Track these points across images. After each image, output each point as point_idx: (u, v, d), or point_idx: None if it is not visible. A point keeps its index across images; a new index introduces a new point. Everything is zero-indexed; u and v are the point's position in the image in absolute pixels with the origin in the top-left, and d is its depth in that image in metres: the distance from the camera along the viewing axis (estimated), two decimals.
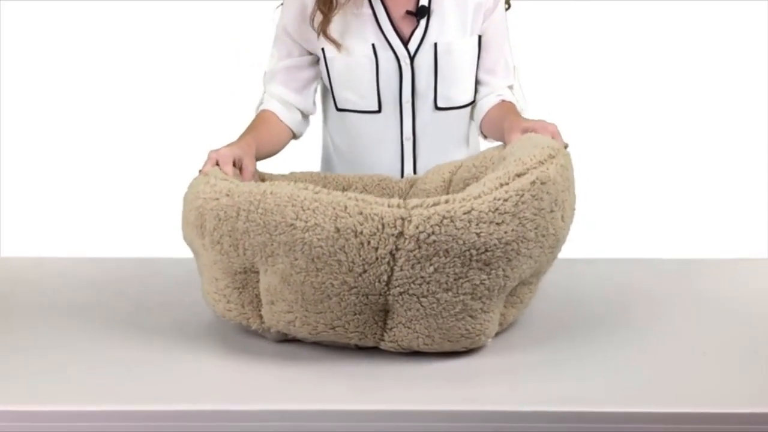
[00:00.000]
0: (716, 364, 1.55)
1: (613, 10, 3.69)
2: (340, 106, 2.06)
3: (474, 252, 1.47)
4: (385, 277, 1.48)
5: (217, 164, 1.70)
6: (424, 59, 2.00)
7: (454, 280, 1.48)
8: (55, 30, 3.71)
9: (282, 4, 2.04)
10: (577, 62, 3.71)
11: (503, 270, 1.50)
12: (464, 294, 1.50)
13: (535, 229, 1.52)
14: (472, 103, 2.07)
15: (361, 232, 1.46)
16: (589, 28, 3.68)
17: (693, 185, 3.67)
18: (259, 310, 1.62)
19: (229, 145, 1.77)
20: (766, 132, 3.68)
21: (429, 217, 1.45)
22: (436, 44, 1.99)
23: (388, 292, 1.50)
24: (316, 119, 2.15)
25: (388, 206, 1.47)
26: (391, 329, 1.55)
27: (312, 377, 1.51)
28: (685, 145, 3.70)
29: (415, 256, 1.46)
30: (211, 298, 1.65)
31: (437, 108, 2.03)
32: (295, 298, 1.53)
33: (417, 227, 1.45)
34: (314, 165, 2.19)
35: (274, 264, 1.51)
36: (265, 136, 1.95)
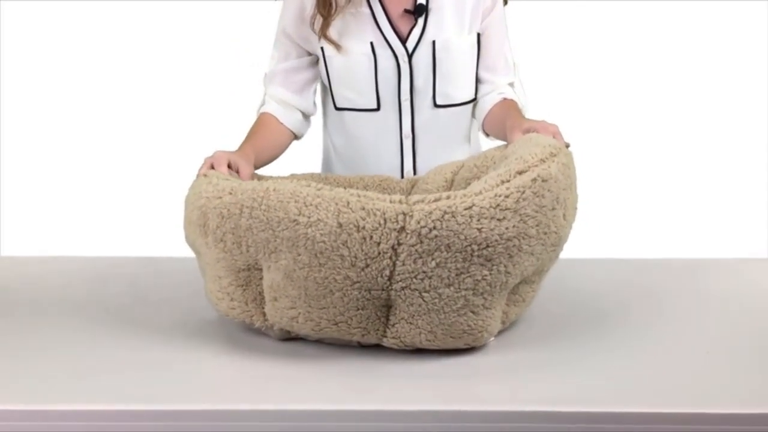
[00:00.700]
0: (720, 363, 1.55)
1: (614, 10, 3.70)
2: (338, 105, 2.07)
3: (475, 247, 1.47)
4: (387, 272, 1.49)
5: (212, 167, 1.70)
6: (422, 57, 2.01)
7: (456, 275, 1.49)
8: (55, 30, 3.71)
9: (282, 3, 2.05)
10: (580, 62, 3.72)
11: (505, 266, 1.51)
12: (466, 289, 1.50)
13: (537, 226, 1.52)
14: (473, 100, 2.08)
15: (364, 227, 1.47)
16: (591, 28, 3.68)
17: (695, 185, 3.67)
18: (263, 308, 1.62)
19: (224, 150, 1.78)
20: (766, 132, 3.68)
21: (430, 212, 1.46)
22: (434, 42, 2.00)
23: (390, 287, 1.51)
24: (317, 121, 2.15)
25: (390, 202, 1.49)
26: (393, 325, 1.55)
27: (314, 376, 1.51)
28: (686, 145, 3.70)
29: (417, 250, 1.47)
30: (214, 296, 1.66)
31: (436, 105, 2.04)
32: (298, 293, 1.53)
33: (419, 222, 1.46)
34: (315, 167, 2.19)
35: (277, 260, 1.52)
36: (263, 141, 1.97)
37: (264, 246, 1.52)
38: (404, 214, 1.47)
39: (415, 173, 2.06)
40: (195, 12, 3.68)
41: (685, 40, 3.70)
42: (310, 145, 2.19)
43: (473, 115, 2.10)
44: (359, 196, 1.49)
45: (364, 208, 1.47)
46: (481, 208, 1.47)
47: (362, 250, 1.47)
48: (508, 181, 1.51)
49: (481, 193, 1.49)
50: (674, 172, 3.69)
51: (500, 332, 1.64)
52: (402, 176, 2.06)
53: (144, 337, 1.67)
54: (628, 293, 1.89)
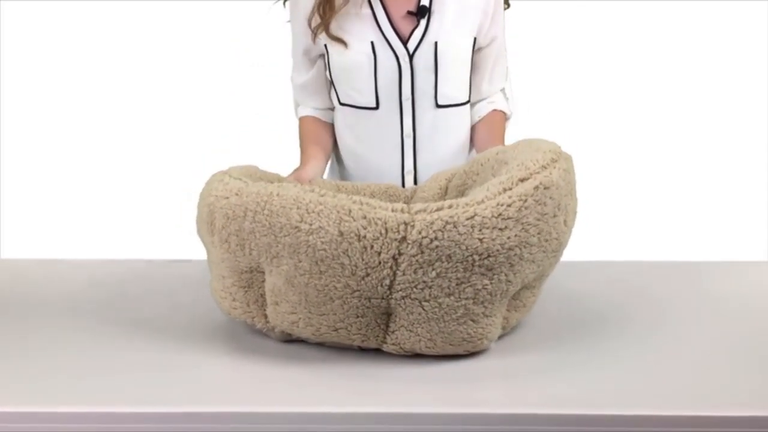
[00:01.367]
0: (720, 366, 1.55)
1: (614, 11, 3.69)
2: (342, 101, 2.10)
3: (477, 257, 1.47)
4: (387, 281, 1.49)
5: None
6: (423, 58, 2.02)
7: (457, 285, 1.49)
8: (56, 30, 3.69)
9: (289, 20, 2.09)
10: (580, 63, 3.70)
11: (506, 275, 1.51)
12: (466, 299, 1.50)
13: (539, 234, 1.52)
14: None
15: (365, 236, 1.46)
16: (590, 30, 3.67)
17: (695, 187, 3.66)
18: (264, 310, 1.62)
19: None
20: (766, 134, 3.68)
21: (432, 223, 1.46)
22: (436, 43, 2.01)
23: (390, 296, 1.51)
24: None
25: (392, 211, 1.48)
26: (393, 332, 1.56)
27: (316, 379, 1.51)
28: (686, 148, 3.69)
29: (417, 261, 1.47)
30: (218, 295, 1.67)
31: (438, 106, 2.05)
32: (298, 299, 1.53)
33: (420, 232, 1.46)
34: None
35: (278, 265, 1.52)
36: (323, 144, 2.12)
37: (266, 250, 1.53)
38: (405, 223, 1.46)
39: (415, 172, 2.08)
40: (195, 12, 3.67)
41: (685, 42, 3.69)
42: None
43: None
44: (361, 203, 1.49)
45: (365, 217, 1.47)
46: (483, 218, 1.47)
47: (363, 260, 1.47)
48: (510, 189, 1.51)
49: (483, 201, 1.48)
50: (674, 175, 3.68)
51: (501, 336, 1.64)
52: (402, 174, 2.08)
53: (145, 340, 1.67)
54: (629, 296, 1.89)
